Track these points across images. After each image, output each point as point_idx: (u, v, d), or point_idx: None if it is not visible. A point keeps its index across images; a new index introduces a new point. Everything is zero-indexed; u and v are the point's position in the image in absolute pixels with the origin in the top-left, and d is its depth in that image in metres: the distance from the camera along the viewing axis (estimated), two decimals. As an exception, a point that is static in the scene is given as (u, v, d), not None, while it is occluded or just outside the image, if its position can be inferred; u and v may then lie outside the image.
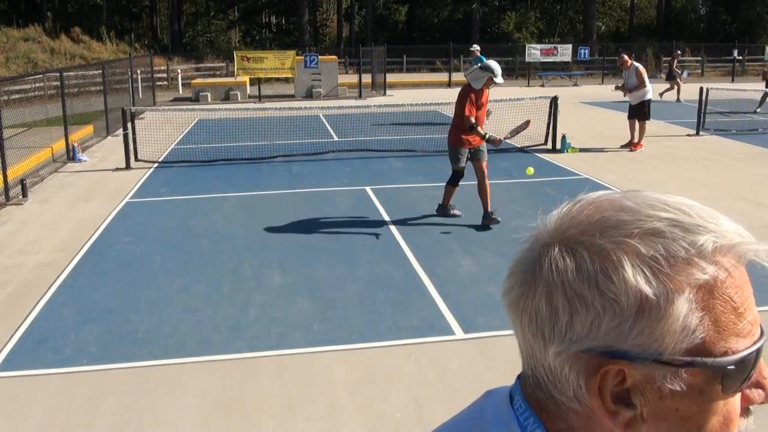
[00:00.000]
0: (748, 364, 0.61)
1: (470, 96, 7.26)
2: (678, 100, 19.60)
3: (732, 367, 0.60)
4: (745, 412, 0.64)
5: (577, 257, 0.61)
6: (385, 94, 22.59)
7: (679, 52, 21.19)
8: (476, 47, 17.46)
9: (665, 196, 0.64)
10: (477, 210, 8.19)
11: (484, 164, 7.49)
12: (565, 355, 0.62)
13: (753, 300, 0.63)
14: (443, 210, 7.79)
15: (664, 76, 28.81)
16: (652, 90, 12.18)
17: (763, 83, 17.65)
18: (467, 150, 7.44)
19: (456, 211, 7.77)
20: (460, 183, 7.65)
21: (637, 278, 0.58)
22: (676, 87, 19.64)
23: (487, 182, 7.44)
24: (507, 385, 0.75)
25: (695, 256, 0.59)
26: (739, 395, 0.63)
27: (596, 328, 0.60)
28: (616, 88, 12.64)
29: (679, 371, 0.59)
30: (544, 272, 0.62)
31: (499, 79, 7.11)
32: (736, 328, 0.60)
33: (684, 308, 0.58)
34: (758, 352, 0.62)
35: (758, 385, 0.64)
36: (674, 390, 0.60)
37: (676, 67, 20.19)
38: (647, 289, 0.58)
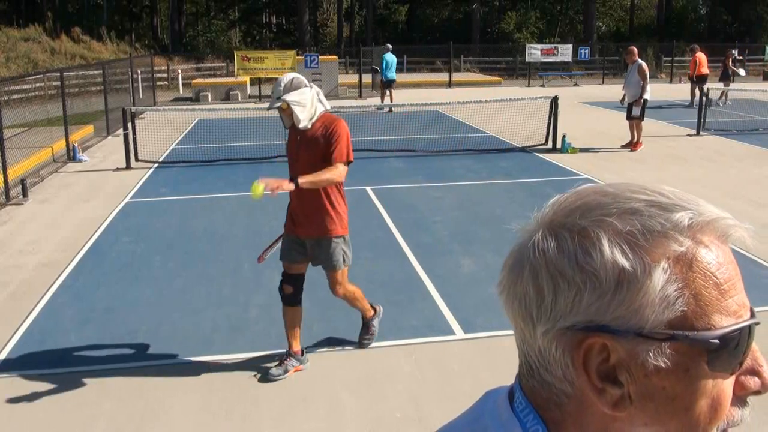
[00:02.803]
0: (733, 341, 0.61)
1: (289, 134, 4.42)
2: (726, 102, 18.58)
3: (716, 341, 0.60)
4: (742, 403, 0.65)
5: (558, 237, 0.64)
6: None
7: (734, 51, 19.93)
8: (388, 45, 18.92)
9: (646, 184, 0.66)
10: (475, 209, 8.21)
11: (332, 276, 4.35)
12: (552, 334, 0.63)
13: (740, 283, 0.63)
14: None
15: (664, 75, 28.87)
16: (650, 91, 12.17)
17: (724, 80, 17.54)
18: (292, 239, 4.35)
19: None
20: (293, 300, 4.37)
21: (614, 252, 0.60)
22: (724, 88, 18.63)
23: (358, 303, 4.58)
24: (506, 385, 0.75)
25: (671, 230, 0.61)
26: (730, 381, 0.63)
27: (578, 303, 0.61)
28: (622, 101, 12.54)
29: (663, 346, 0.60)
30: (529, 255, 0.65)
31: (274, 103, 4.17)
32: (719, 304, 0.61)
33: (661, 279, 0.60)
34: (748, 334, 0.62)
35: (754, 372, 0.64)
36: (659, 366, 0.60)
37: (732, 64, 19.15)
38: (624, 262, 0.60)
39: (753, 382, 0.64)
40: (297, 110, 4.14)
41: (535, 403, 0.68)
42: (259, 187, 3.92)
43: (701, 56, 17.71)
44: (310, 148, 4.21)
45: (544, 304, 0.63)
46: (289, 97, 4.12)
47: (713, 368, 0.61)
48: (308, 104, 4.20)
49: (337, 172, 4.15)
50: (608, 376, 0.62)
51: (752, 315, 0.63)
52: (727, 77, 19.07)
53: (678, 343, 0.60)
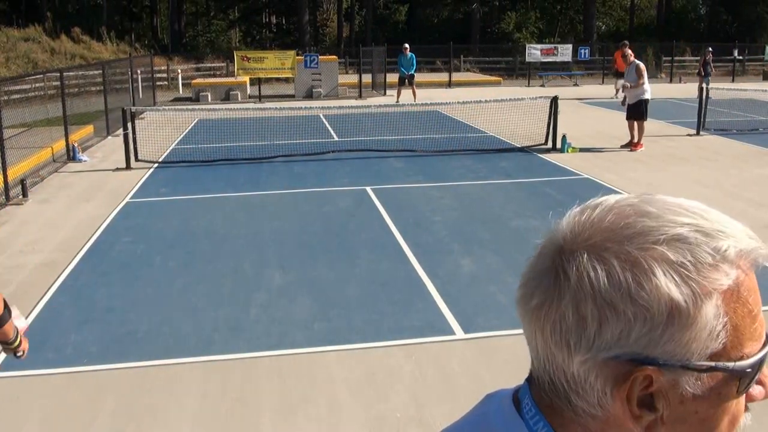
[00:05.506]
0: (760, 365, 0.63)
1: None
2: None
3: (750, 370, 0.62)
4: (744, 409, 0.67)
5: (607, 265, 0.60)
6: (385, 94, 22.55)
7: (710, 49, 20.46)
8: (406, 45, 20.11)
9: (679, 200, 0.65)
10: (475, 209, 8.21)
11: None
12: (592, 363, 0.61)
13: (761, 304, 0.64)
14: None
15: (664, 75, 28.87)
16: (651, 90, 12.18)
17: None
18: None
19: None
20: None
21: (668, 285, 0.59)
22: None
23: None
24: (506, 386, 0.75)
25: (721, 262, 0.60)
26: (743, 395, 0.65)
27: (626, 335, 0.60)
28: (617, 91, 12.62)
29: (702, 375, 0.61)
30: (571, 280, 0.61)
31: None
32: (750, 331, 0.62)
33: (711, 313, 0.59)
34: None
35: (759, 382, 0.66)
36: (696, 394, 0.61)
37: (705, 62, 19.71)
38: (678, 296, 0.59)
39: (758, 391, 0.66)
40: None
41: (553, 419, 0.67)
42: None
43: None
44: None
45: (586, 333, 0.61)
46: None
47: (740, 391, 0.63)
48: None
49: None
50: (645, 403, 0.62)
51: (766, 334, 0.65)
52: (706, 75, 19.43)
53: (717, 372, 0.61)
